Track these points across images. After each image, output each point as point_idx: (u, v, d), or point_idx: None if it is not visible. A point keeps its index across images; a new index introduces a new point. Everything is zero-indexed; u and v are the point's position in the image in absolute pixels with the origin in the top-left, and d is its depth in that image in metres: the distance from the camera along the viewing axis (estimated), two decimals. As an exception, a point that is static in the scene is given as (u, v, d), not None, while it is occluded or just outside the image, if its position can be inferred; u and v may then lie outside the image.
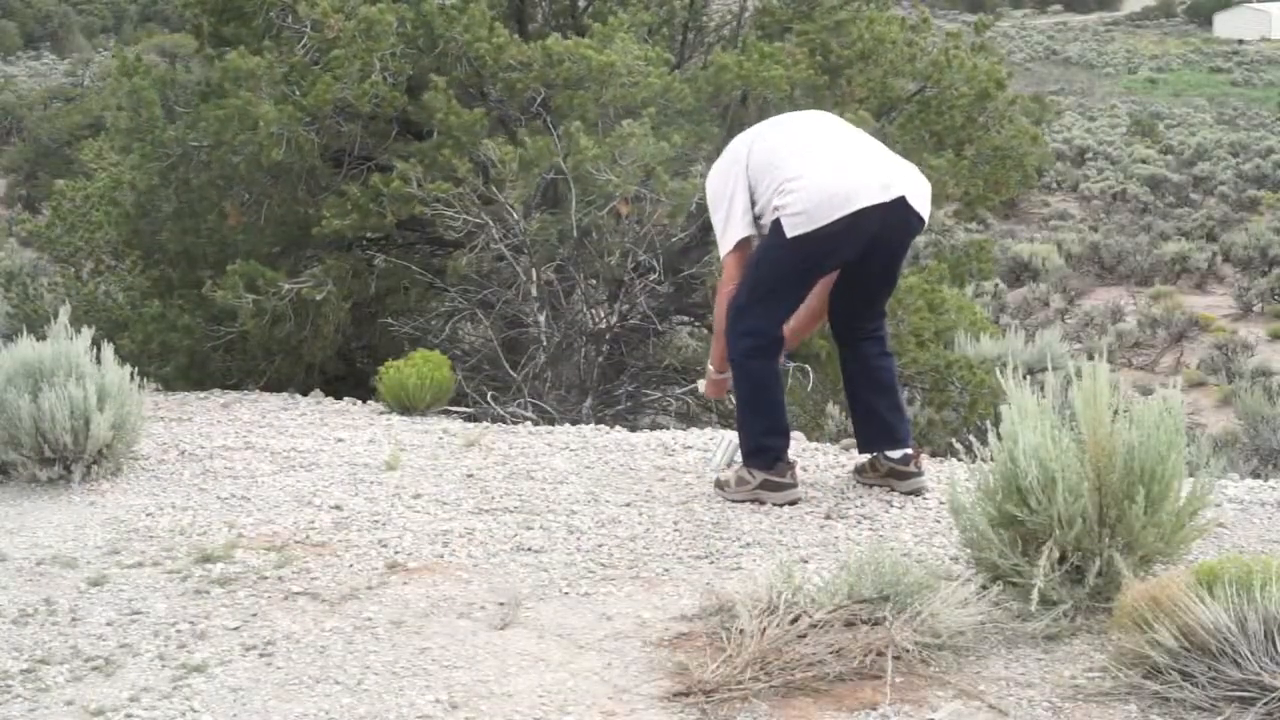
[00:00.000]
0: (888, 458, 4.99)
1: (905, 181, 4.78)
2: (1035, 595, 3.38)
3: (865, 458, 5.11)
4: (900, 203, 4.72)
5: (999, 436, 3.65)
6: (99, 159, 11.72)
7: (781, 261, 4.78)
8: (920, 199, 4.78)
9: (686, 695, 3.21)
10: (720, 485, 5.00)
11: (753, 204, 4.85)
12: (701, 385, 5.42)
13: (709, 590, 3.82)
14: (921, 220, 4.81)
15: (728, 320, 4.93)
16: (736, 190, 4.86)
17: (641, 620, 3.77)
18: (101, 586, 4.14)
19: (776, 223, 4.72)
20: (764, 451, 4.89)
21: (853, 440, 5.36)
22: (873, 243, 4.76)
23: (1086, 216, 36.54)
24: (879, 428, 5.02)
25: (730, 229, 4.90)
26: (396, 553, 4.41)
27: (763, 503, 4.84)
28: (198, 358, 8.65)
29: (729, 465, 5.06)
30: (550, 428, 6.60)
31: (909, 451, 4.99)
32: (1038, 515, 3.50)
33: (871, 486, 5.04)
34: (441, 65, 8.53)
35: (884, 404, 5.03)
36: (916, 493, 4.94)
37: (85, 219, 10.09)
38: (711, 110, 8.84)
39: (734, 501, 4.88)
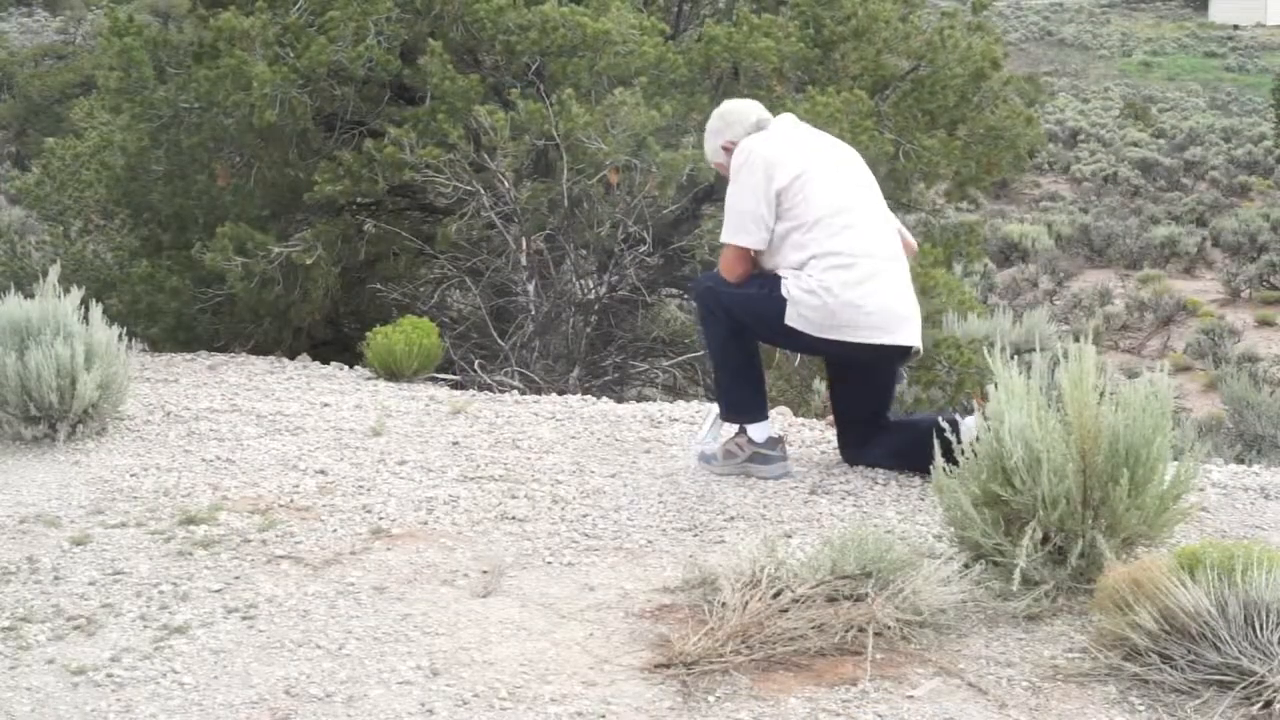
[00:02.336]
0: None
1: (913, 327, 4.80)
2: (1017, 575, 3.39)
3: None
4: (900, 348, 4.77)
5: (985, 416, 3.66)
6: (90, 118, 11.66)
7: (770, 320, 4.74)
8: (918, 335, 4.82)
9: (667, 666, 3.22)
10: (707, 458, 5.00)
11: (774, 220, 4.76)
12: None
13: (692, 563, 3.82)
14: (918, 350, 4.86)
15: (707, 311, 4.93)
16: (762, 207, 4.73)
17: (624, 591, 3.78)
18: (85, 546, 4.14)
19: (779, 283, 4.71)
20: (742, 405, 4.89)
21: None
22: (859, 365, 4.82)
23: (1077, 198, 36.50)
24: (863, 435, 5.01)
25: (741, 235, 4.79)
26: (380, 518, 4.42)
27: (749, 476, 4.84)
28: (185, 319, 8.63)
29: (716, 439, 5.06)
30: (537, 397, 6.59)
31: None
32: (1022, 495, 3.51)
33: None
34: (437, 30, 8.49)
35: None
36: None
37: (75, 177, 10.05)
38: (704, 82, 8.81)
39: (720, 475, 4.89)
